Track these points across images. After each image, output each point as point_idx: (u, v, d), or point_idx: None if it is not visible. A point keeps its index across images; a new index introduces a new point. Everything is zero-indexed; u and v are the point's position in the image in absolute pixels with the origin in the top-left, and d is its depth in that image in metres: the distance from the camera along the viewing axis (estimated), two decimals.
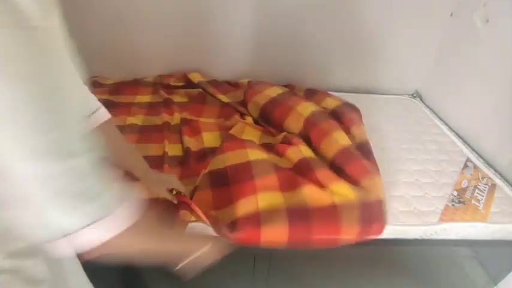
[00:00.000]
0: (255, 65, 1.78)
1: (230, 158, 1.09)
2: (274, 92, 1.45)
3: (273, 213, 0.90)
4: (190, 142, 1.24)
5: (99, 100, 1.63)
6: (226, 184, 1.02)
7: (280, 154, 1.17)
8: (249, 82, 1.66)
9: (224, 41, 1.68)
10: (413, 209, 1.08)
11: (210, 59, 1.75)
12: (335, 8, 1.61)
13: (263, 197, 0.94)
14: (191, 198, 0.99)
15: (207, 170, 1.06)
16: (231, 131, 1.28)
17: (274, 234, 0.89)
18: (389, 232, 1.00)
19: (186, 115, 1.43)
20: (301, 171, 1.06)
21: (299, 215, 0.91)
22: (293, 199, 0.95)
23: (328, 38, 1.71)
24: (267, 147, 1.22)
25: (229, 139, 1.21)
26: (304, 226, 0.90)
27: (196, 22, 1.61)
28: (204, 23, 1.62)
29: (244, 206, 0.92)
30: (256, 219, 0.89)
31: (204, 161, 1.14)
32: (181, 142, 1.26)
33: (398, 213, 1.06)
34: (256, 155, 1.09)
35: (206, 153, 1.20)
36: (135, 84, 1.65)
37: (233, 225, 0.90)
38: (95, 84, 1.62)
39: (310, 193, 0.96)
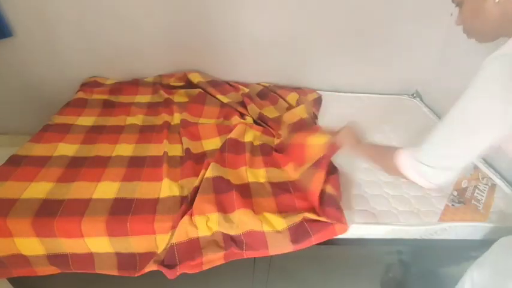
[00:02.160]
0: (256, 65, 1.78)
1: (231, 174, 1.10)
2: (270, 113, 1.50)
3: (277, 234, 0.93)
4: (190, 144, 1.24)
5: (99, 100, 1.65)
6: (230, 191, 1.02)
7: (279, 166, 1.18)
8: (248, 92, 1.64)
9: (225, 42, 1.68)
10: (413, 209, 1.08)
11: (210, 60, 1.74)
12: (335, 9, 1.61)
13: (263, 217, 0.96)
14: (191, 198, 0.99)
15: (210, 176, 1.05)
16: (232, 135, 1.27)
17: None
18: (389, 232, 1.00)
19: (186, 115, 1.43)
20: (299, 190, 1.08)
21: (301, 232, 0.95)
22: (292, 221, 0.95)
23: (328, 38, 1.71)
24: (265, 152, 1.24)
25: (229, 149, 1.21)
26: None
27: (196, 22, 1.61)
28: (204, 23, 1.62)
29: (249, 225, 0.94)
30: (263, 238, 0.93)
31: (203, 162, 1.14)
32: (181, 142, 1.26)
33: (398, 213, 1.06)
34: (254, 175, 1.12)
35: (206, 155, 1.21)
36: (135, 84, 1.65)
37: (236, 238, 0.94)
38: (95, 84, 1.63)
39: (309, 215, 0.97)
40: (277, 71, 1.81)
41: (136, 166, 1.12)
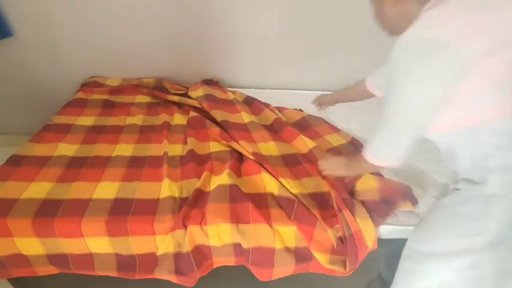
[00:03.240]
0: (258, 67, 1.78)
1: (247, 183, 1.07)
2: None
3: (286, 253, 0.95)
4: (196, 145, 1.22)
5: (99, 100, 1.64)
6: (245, 201, 0.98)
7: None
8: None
9: (224, 42, 1.68)
10: (413, 209, 1.08)
11: (210, 60, 1.75)
12: (335, 8, 1.61)
13: (276, 229, 0.95)
14: (193, 199, 0.98)
15: (227, 183, 1.02)
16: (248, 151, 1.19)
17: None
18: (389, 232, 1.00)
19: (195, 113, 1.41)
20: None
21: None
22: (302, 243, 0.97)
23: (328, 38, 1.71)
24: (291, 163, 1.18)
25: (245, 159, 1.17)
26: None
27: (196, 23, 1.61)
28: (204, 24, 1.62)
29: (262, 241, 0.94)
30: (272, 255, 0.95)
31: (206, 164, 1.12)
32: (185, 142, 1.25)
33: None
34: (271, 185, 1.05)
35: (211, 157, 1.17)
36: (135, 85, 1.65)
37: (245, 251, 0.95)
38: (95, 84, 1.63)
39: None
40: (277, 72, 1.81)
41: (136, 166, 1.12)
